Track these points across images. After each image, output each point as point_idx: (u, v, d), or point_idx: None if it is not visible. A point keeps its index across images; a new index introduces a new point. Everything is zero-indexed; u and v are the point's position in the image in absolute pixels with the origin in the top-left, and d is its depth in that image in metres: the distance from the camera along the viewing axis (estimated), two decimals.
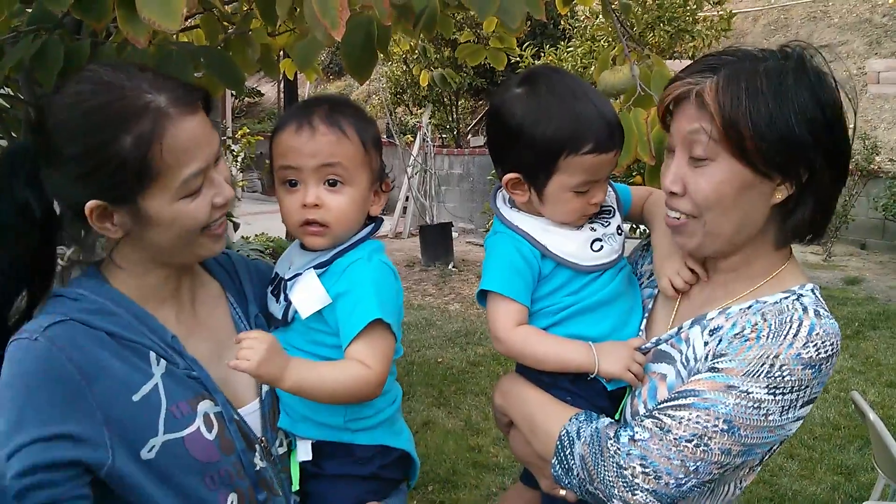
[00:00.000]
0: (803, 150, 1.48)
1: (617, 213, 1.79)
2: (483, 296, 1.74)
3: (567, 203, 1.68)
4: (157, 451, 1.44)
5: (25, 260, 1.52)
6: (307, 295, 1.62)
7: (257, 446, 1.60)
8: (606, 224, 1.75)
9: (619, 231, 1.77)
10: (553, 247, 1.69)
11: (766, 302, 1.57)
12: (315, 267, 1.64)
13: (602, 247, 1.71)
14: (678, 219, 1.60)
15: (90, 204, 1.42)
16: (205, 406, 1.53)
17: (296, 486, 1.67)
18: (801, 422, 1.54)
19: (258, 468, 1.58)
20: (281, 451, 1.67)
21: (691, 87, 1.53)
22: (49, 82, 1.80)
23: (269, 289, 1.75)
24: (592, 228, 1.73)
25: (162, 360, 1.50)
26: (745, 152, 1.48)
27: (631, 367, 1.63)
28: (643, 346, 1.69)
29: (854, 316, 8.25)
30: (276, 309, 1.70)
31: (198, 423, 1.50)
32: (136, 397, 1.44)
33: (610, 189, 1.83)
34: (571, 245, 1.70)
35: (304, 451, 1.67)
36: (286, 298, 1.66)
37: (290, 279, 1.67)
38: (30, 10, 2.00)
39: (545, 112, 1.63)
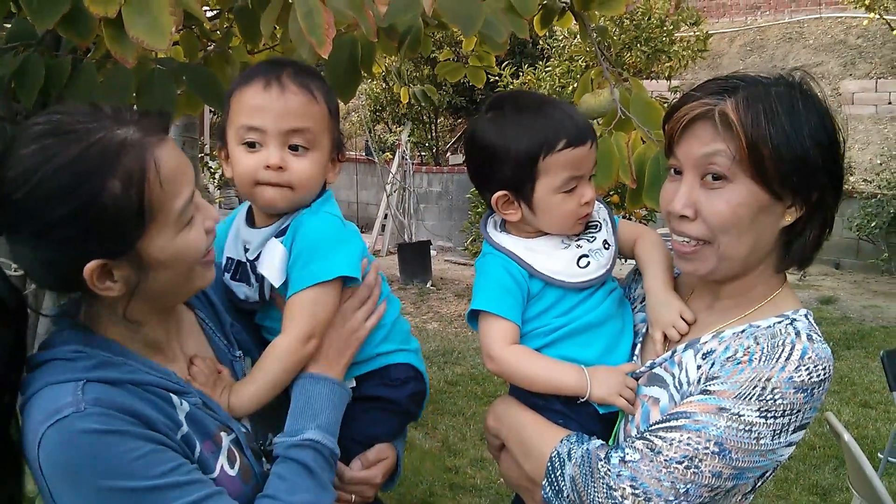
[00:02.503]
0: (816, 171, 1.50)
1: (604, 228, 1.80)
2: (474, 317, 1.74)
3: (559, 207, 1.69)
4: None
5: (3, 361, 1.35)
6: (274, 263, 1.60)
7: (263, 457, 1.57)
8: (592, 239, 1.76)
9: (607, 245, 1.77)
10: (539, 266, 1.70)
11: (759, 326, 1.57)
12: (275, 236, 1.62)
13: (589, 263, 1.72)
14: (689, 243, 1.58)
15: (89, 266, 1.29)
16: (226, 439, 1.48)
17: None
18: (793, 447, 1.53)
19: (265, 469, 1.56)
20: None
21: (710, 107, 1.52)
22: (29, 100, 1.78)
23: (228, 276, 1.71)
24: (578, 245, 1.74)
25: (183, 400, 1.43)
26: (763, 173, 1.48)
27: (623, 393, 1.63)
28: (637, 371, 1.69)
29: (828, 336, 8.26)
30: (250, 292, 1.67)
31: (221, 461, 1.45)
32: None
33: (600, 204, 1.84)
34: (557, 263, 1.71)
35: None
36: (258, 278, 1.64)
37: (255, 258, 1.64)
38: (8, 26, 1.99)
39: (515, 127, 1.68)
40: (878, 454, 4.70)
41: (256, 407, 1.57)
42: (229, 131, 1.61)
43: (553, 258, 1.71)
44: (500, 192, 1.71)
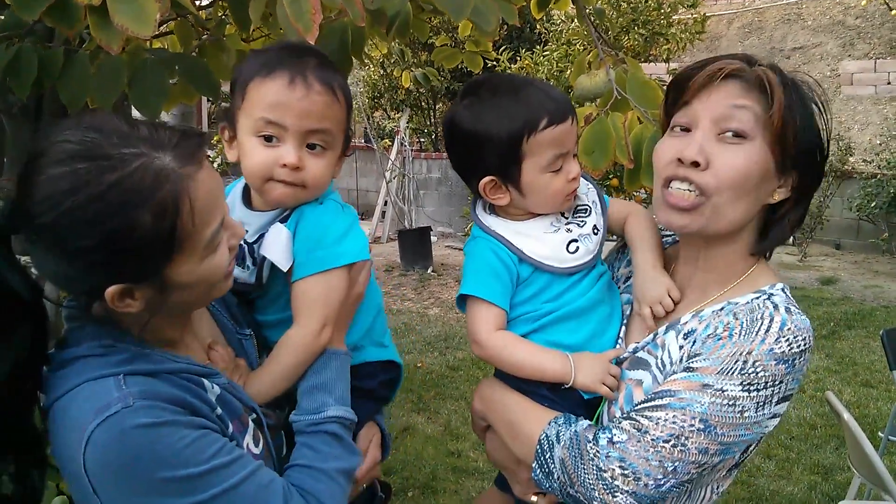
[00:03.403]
0: (819, 157, 1.56)
1: (594, 212, 1.79)
2: (462, 301, 1.75)
3: (547, 186, 1.69)
4: None
5: (23, 360, 1.32)
6: (280, 247, 1.58)
7: (278, 430, 1.60)
8: (582, 224, 1.76)
9: (596, 230, 1.77)
10: (528, 250, 1.70)
11: (737, 303, 1.59)
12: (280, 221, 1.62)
13: (578, 248, 1.72)
14: (690, 194, 1.56)
15: (111, 290, 1.27)
16: (250, 419, 1.50)
17: None
18: (778, 420, 1.55)
19: (281, 443, 1.59)
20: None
21: (745, 67, 1.55)
22: (24, 91, 1.78)
23: None
24: (568, 229, 1.74)
25: (213, 383, 1.43)
26: (785, 142, 1.51)
27: (605, 381, 1.64)
28: (621, 356, 1.70)
29: (829, 316, 8.33)
30: (244, 274, 1.65)
31: (247, 440, 1.46)
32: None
33: (591, 186, 1.83)
34: (546, 248, 1.71)
35: None
36: (254, 262, 1.63)
37: (254, 242, 1.63)
38: (1, 17, 1.99)
39: (494, 111, 1.67)
40: (879, 433, 4.71)
41: (270, 398, 1.58)
42: (242, 118, 1.58)
43: (542, 242, 1.71)
44: (486, 178, 1.70)
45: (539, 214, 1.75)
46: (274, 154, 1.55)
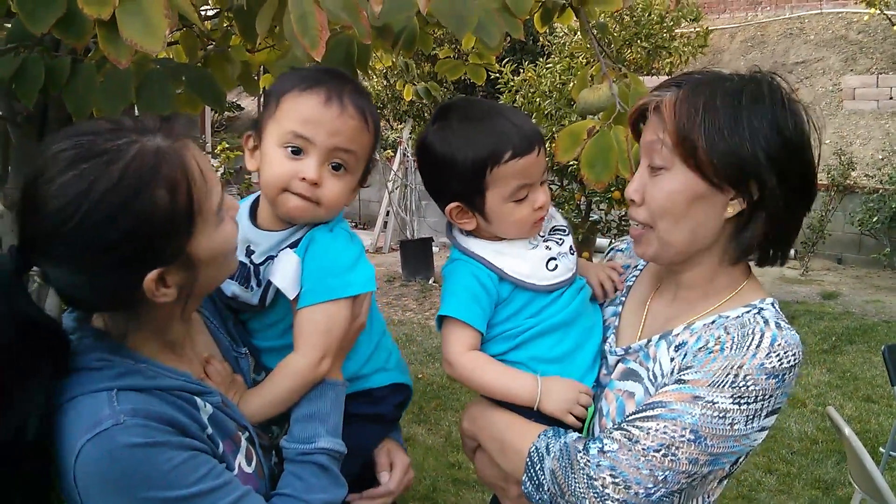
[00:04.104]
0: (754, 166, 1.53)
1: (570, 234, 1.83)
2: (441, 322, 1.76)
3: (511, 214, 1.71)
4: None
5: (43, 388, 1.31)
6: (289, 275, 1.58)
7: (271, 449, 1.60)
8: (561, 242, 1.79)
9: (572, 251, 1.80)
10: (509, 269, 1.72)
11: (728, 317, 1.61)
12: (289, 246, 1.61)
13: (557, 266, 1.74)
14: (637, 227, 1.65)
15: (149, 277, 1.29)
16: (243, 438, 1.50)
17: None
18: (766, 432, 1.57)
19: (272, 463, 1.59)
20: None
21: (654, 99, 1.59)
22: (30, 100, 1.79)
23: None
24: (548, 247, 1.76)
25: (206, 402, 1.44)
26: (697, 162, 1.53)
27: (573, 410, 1.66)
28: (610, 365, 1.73)
29: (831, 330, 8.31)
30: (248, 296, 1.65)
31: (239, 459, 1.47)
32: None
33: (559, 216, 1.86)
34: (526, 266, 1.73)
35: None
36: (259, 283, 1.63)
37: (261, 263, 1.63)
38: (8, 25, 2.00)
39: (461, 138, 1.69)
40: (880, 448, 4.70)
41: (262, 419, 1.58)
42: (272, 128, 1.59)
43: (523, 259, 1.74)
44: (452, 204, 1.73)
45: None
46: (296, 167, 1.56)
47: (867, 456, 3.45)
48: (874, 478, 3.40)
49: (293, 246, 1.61)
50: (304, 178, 1.55)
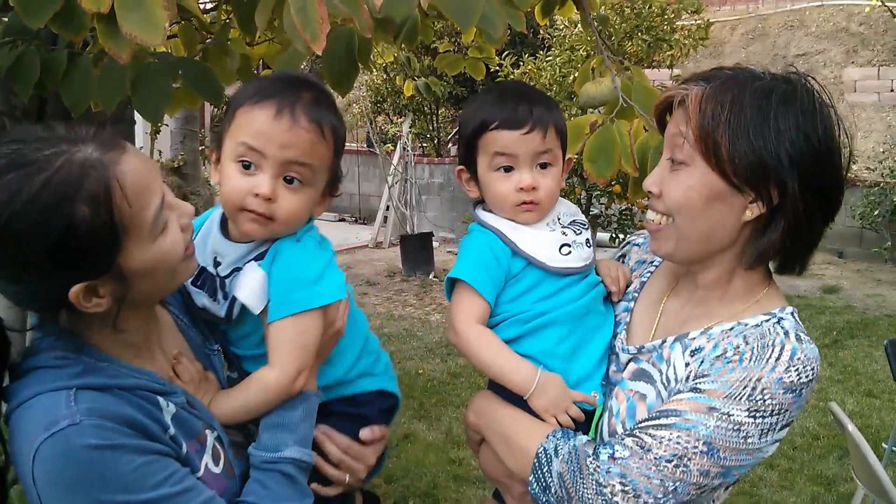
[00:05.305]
0: (776, 171, 1.48)
1: (589, 230, 1.84)
2: (450, 287, 1.77)
3: (494, 184, 1.75)
4: None
5: None
6: (254, 289, 1.55)
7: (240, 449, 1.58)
8: (578, 233, 1.80)
9: (589, 244, 1.81)
10: (522, 244, 1.73)
11: (747, 324, 1.57)
12: (254, 259, 1.59)
13: (570, 252, 1.75)
14: (654, 221, 1.63)
15: (74, 290, 1.29)
16: (210, 437, 1.48)
17: None
18: (778, 444, 1.55)
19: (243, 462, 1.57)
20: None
21: (682, 92, 1.56)
22: (26, 93, 1.77)
23: (190, 281, 1.64)
24: (563, 233, 1.77)
25: (169, 401, 1.42)
26: (719, 161, 1.50)
27: (558, 416, 1.65)
28: (622, 363, 1.72)
29: (832, 325, 8.30)
30: (213, 306, 1.63)
31: (206, 459, 1.45)
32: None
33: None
34: (540, 245, 1.74)
35: None
36: (225, 296, 1.60)
37: (227, 276, 1.60)
38: (6, 19, 1.98)
39: (473, 108, 1.80)
40: (883, 444, 4.69)
41: (233, 424, 1.57)
42: (227, 141, 1.56)
43: (536, 238, 1.75)
44: (459, 167, 1.82)
45: None
46: (249, 182, 1.53)
47: (870, 452, 3.44)
48: (877, 474, 3.38)
49: (259, 258, 1.58)
50: (257, 195, 1.52)
